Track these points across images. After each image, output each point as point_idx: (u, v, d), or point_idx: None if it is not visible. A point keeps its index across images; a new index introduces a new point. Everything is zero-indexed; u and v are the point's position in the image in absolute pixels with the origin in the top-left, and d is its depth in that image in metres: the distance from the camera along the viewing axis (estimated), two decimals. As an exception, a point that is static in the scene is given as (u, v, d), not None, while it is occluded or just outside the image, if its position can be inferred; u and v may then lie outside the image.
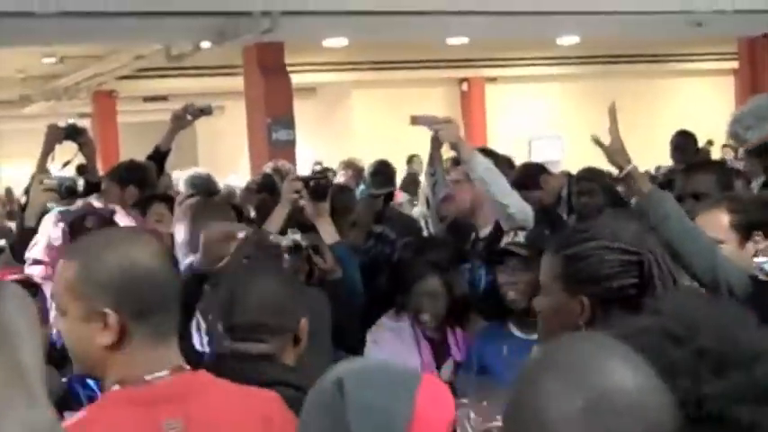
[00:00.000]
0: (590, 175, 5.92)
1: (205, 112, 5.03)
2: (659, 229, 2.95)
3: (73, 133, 4.61)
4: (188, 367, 1.95)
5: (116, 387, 1.88)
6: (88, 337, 1.87)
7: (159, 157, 5.02)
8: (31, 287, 3.07)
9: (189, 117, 4.99)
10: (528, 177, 5.93)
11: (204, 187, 5.94)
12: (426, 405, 1.59)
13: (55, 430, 0.78)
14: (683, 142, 7.29)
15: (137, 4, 10.14)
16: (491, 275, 3.75)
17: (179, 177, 7.30)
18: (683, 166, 6.68)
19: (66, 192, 3.96)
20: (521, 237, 3.63)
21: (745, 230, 3.16)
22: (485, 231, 4.27)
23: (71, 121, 4.81)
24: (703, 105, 18.91)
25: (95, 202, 4.39)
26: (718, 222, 3.18)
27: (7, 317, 0.75)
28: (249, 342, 2.55)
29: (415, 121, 4.16)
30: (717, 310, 1.32)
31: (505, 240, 3.67)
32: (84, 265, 1.88)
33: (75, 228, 3.63)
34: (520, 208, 4.02)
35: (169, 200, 4.54)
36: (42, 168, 4.44)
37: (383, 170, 6.75)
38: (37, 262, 3.57)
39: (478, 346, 3.67)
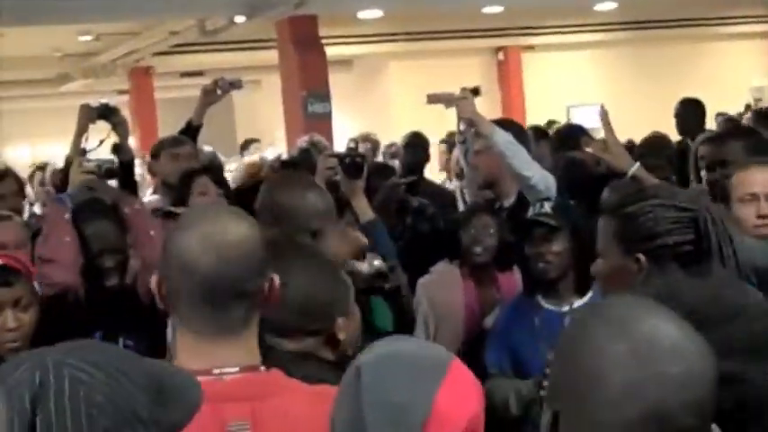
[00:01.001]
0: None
1: (235, 85, 5.02)
2: None
3: (106, 112, 4.60)
4: (262, 368, 1.87)
5: None
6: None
7: (191, 131, 5.02)
8: (13, 273, 3.08)
9: (219, 91, 4.98)
10: (568, 138, 5.91)
11: (208, 164, 5.93)
12: (447, 400, 1.53)
13: None
14: (683, 111, 7.16)
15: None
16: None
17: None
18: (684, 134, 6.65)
19: (106, 173, 3.98)
20: (547, 207, 3.64)
21: None
22: (508, 201, 4.29)
23: (104, 100, 4.78)
24: (744, 69, 18.65)
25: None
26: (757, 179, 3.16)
27: None
28: (285, 340, 2.40)
29: (433, 99, 4.16)
30: (704, 277, 1.47)
31: (532, 211, 3.67)
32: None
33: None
34: (542, 179, 4.03)
35: (212, 172, 4.55)
36: (77, 149, 4.45)
37: (416, 141, 6.72)
38: (47, 260, 3.56)
39: (507, 319, 3.68)
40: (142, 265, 3.64)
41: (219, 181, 4.48)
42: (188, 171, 4.69)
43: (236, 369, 1.81)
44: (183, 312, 1.86)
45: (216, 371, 1.80)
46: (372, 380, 1.52)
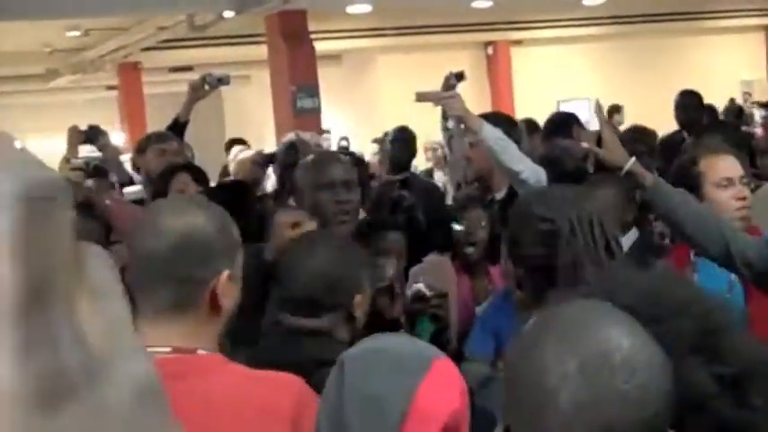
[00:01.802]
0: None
1: (223, 81, 5.02)
2: (669, 219, 3.02)
3: (92, 136, 4.64)
4: (201, 352, 1.88)
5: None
6: None
7: (178, 127, 5.02)
8: None
9: (207, 87, 4.98)
10: (560, 125, 5.91)
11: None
12: (428, 395, 1.52)
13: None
14: (683, 102, 7.21)
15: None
16: None
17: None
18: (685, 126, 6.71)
19: (94, 170, 4.00)
20: None
21: None
22: (500, 194, 4.30)
23: (91, 124, 4.81)
24: (733, 63, 18.70)
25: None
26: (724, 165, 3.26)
27: (98, 275, 0.76)
28: (302, 317, 2.49)
29: (421, 97, 4.17)
30: (642, 272, 1.36)
31: None
32: None
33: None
34: (532, 173, 4.05)
35: (193, 169, 4.55)
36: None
37: (403, 136, 6.71)
38: None
39: (494, 306, 3.71)
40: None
41: (199, 178, 4.47)
42: (169, 167, 4.69)
43: (168, 350, 1.84)
44: (133, 292, 1.90)
45: (148, 350, 1.81)
46: (354, 373, 1.53)
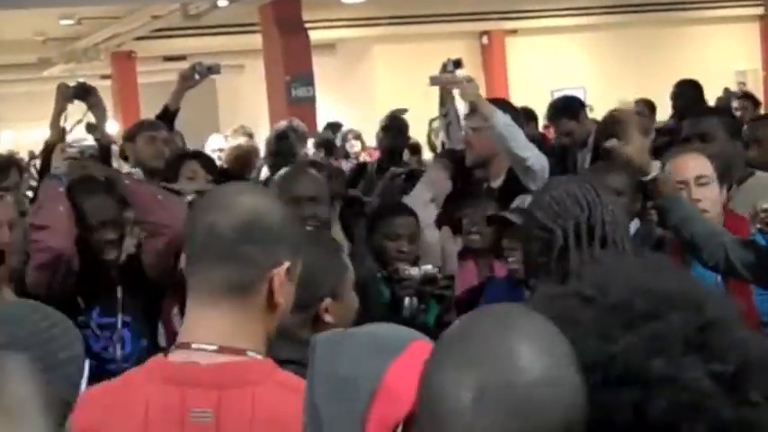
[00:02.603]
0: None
1: (213, 70, 4.99)
2: (679, 229, 3.10)
3: (82, 93, 4.58)
4: (251, 354, 1.78)
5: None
6: None
7: (168, 116, 4.99)
8: None
9: (197, 76, 4.95)
10: (565, 107, 5.97)
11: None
12: (398, 376, 1.42)
13: None
14: (680, 92, 7.24)
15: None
16: None
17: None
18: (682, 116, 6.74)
19: (89, 159, 4.00)
20: (527, 201, 3.67)
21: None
22: (497, 182, 4.30)
23: (80, 80, 4.75)
24: (728, 53, 18.69)
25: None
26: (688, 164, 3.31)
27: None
28: None
29: (435, 81, 4.18)
30: (631, 263, 1.23)
31: (516, 202, 3.70)
32: None
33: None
34: (537, 160, 4.08)
35: (202, 157, 4.54)
36: (57, 130, 4.45)
37: (394, 124, 6.70)
38: (40, 227, 3.56)
39: (491, 292, 3.73)
40: (150, 232, 3.65)
41: (208, 166, 4.47)
42: (178, 154, 4.68)
43: (215, 348, 1.75)
44: (187, 273, 1.82)
45: (194, 345, 1.75)
46: (323, 354, 1.47)
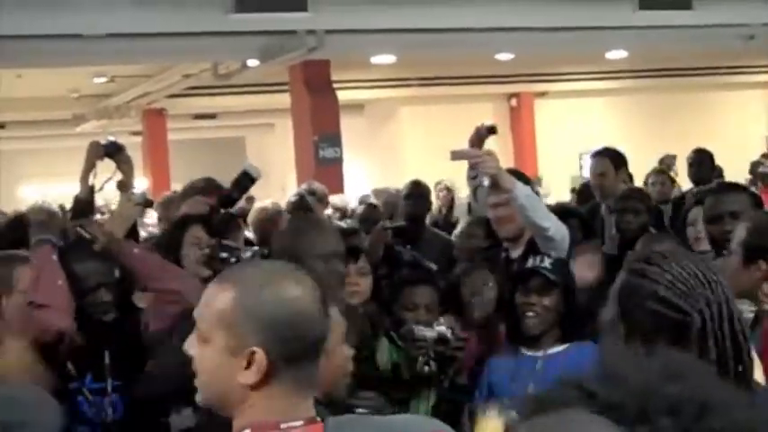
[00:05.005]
0: (637, 194, 5.93)
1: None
2: None
3: (113, 151, 4.65)
4: (320, 420, 1.81)
5: (247, 431, 1.78)
6: (229, 372, 1.77)
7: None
8: None
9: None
10: (613, 151, 6.13)
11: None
12: None
13: None
14: (698, 159, 7.46)
15: (183, 24, 10.22)
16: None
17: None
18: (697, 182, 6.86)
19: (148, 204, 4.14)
20: (547, 261, 3.70)
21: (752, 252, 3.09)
22: (516, 252, 4.31)
23: (111, 138, 4.81)
24: (757, 118, 18.67)
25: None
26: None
27: None
28: None
29: (457, 156, 4.20)
30: (640, 361, 1.12)
31: (531, 262, 3.72)
32: (242, 295, 1.79)
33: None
34: (558, 230, 4.08)
35: (206, 222, 4.57)
36: (86, 186, 4.51)
37: (417, 191, 6.72)
38: (40, 306, 3.57)
39: (495, 362, 3.75)
40: (156, 299, 3.69)
41: (212, 231, 4.48)
42: (182, 218, 4.71)
43: (301, 423, 1.78)
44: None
45: (283, 425, 1.77)
46: None
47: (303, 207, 6.33)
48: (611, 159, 6.02)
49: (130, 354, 3.71)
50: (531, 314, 3.64)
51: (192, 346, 1.84)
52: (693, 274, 2.13)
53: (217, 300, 1.81)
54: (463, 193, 8.41)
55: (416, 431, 1.47)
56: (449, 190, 9.89)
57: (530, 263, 3.77)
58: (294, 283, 1.83)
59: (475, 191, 4.85)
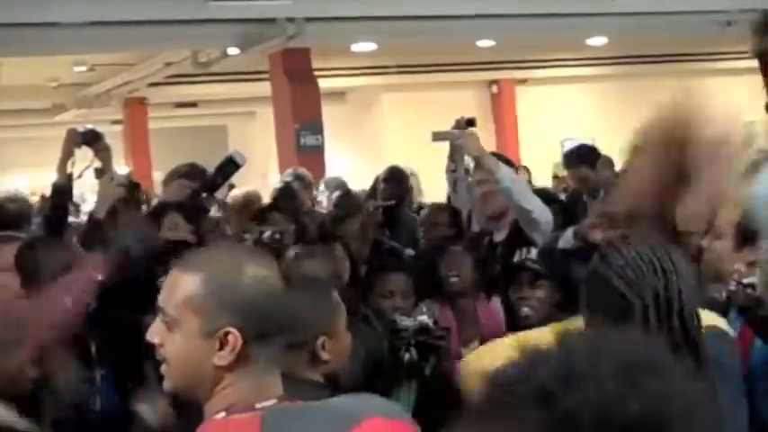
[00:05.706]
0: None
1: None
2: None
3: (90, 138, 4.65)
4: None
5: (222, 414, 1.75)
6: (203, 355, 1.76)
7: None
8: None
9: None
10: (584, 156, 6.11)
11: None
12: None
13: None
14: None
15: (162, 12, 10.18)
16: None
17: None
18: None
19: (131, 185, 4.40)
20: (533, 252, 3.72)
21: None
22: (500, 236, 4.33)
23: (89, 126, 4.81)
24: (737, 104, 18.72)
25: None
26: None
27: None
28: None
29: (438, 136, 4.22)
30: (624, 352, 0.95)
31: (518, 256, 3.74)
32: (209, 278, 1.78)
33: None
34: (542, 213, 4.11)
35: (184, 208, 4.58)
36: (63, 174, 4.51)
37: (395, 176, 6.74)
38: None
39: None
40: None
41: (189, 217, 4.48)
42: (160, 205, 4.71)
43: (275, 401, 1.78)
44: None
45: (258, 405, 1.76)
46: (275, 428, 1.48)
47: (289, 194, 6.34)
48: (585, 162, 6.06)
49: (119, 345, 3.70)
50: (526, 308, 3.64)
51: (156, 333, 1.83)
52: (648, 261, 2.15)
53: (182, 285, 1.81)
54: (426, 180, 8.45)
55: (351, 418, 1.49)
56: (411, 175, 9.89)
57: (516, 258, 3.80)
58: (258, 262, 1.83)
59: (454, 183, 4.87)
